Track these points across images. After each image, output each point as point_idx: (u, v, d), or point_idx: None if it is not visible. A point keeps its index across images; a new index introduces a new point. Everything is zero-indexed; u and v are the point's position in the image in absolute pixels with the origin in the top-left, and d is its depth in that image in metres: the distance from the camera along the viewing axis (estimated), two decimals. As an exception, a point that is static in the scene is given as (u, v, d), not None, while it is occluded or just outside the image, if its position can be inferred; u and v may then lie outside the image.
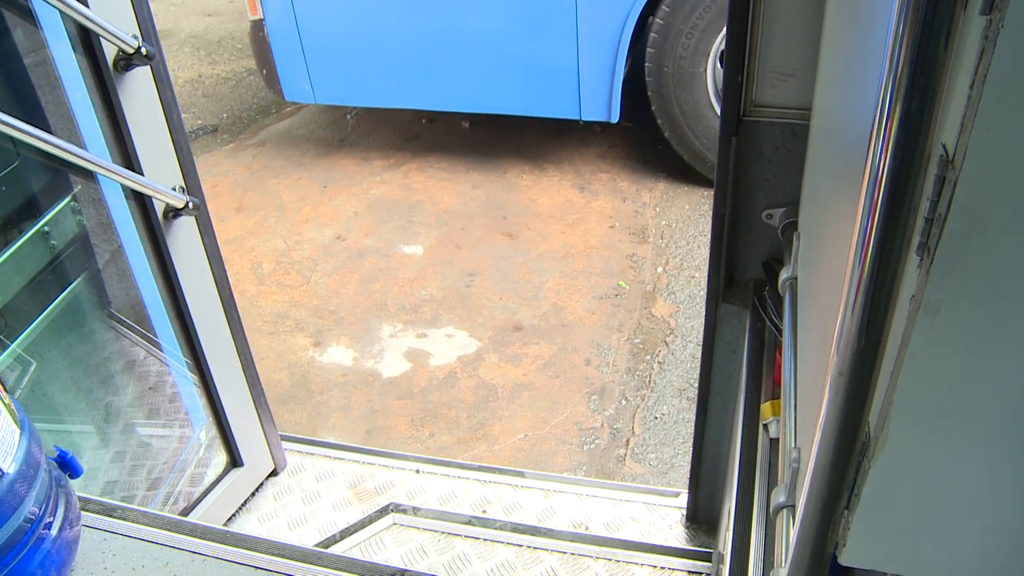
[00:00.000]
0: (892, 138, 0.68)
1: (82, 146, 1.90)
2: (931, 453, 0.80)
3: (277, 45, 4.60)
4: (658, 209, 4.24)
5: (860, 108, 1.03)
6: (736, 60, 1.62)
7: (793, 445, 1.21)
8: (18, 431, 1.24)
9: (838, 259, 1.07)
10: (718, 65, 4.14)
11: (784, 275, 1.62)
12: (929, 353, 0.73)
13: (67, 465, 1.40)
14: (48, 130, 1.90)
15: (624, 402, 3.14)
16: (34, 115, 1.95)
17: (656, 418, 3.07)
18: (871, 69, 0.95)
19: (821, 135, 1.49)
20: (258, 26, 4.60)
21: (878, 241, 0.73)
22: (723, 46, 3.96)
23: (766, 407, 1.56)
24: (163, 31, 7.11)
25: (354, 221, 4.34)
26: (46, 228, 2.00)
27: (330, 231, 4.30)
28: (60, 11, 1.69)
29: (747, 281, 1.84)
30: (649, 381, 3.23)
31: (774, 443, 1.53)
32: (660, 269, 3.83)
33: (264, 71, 4.77)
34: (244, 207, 4.61)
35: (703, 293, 3.44)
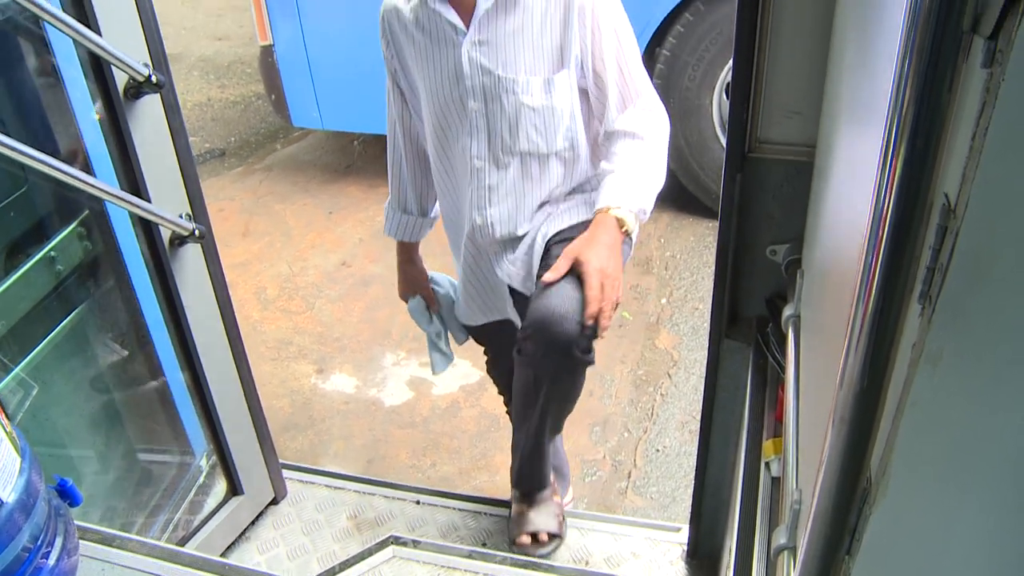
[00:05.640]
0: (895, 185, 0.69)
1: (91, 172, 1.92)
2: (932, 501, 0.79)
3: (286, 71, 4.64)
4: (662, 240, 4.24)
5: (863, 149, 1.04)
6: (742, 98, 1.63)
7: (795, 486, 1.21)
8: (19, 459, 1.24)
9: (841, 299, 1.07)
10: (723, 97, 4.16)
11: (787, 312, 1.62)
12: (930, 402, 0.73)
13: (67, 494, 1.39)
14: (58, 156, 1.91)
15: (626, 434, 3.13)
16: (45, 141, 1.97)
17: (658, 451, 3.06)
18: (874, 112, 0.96)
19: (824, 173, 1.49)
20: (268, 52, 4.64)
21: (880, 288, 0.73)
22: (729, 79, 3.98)
23: (768, 445, 1.56)
24: (173, 55, 7.16)
25: (359, 248, 4.36)
26: (53, 253, 2.00)
27: (335, 257, 4.31)
28: (73, 39, 1.71)
29: (750, 317, 1.84)
30: (651, 413, 3.22)
31: (776, 481, 1.52)
32: (664, 300, 3.83)
33: (273, 96, 4.81)
34: (250, 232, 4.63)
35: (706, 325, 3.43)
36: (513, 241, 2.07)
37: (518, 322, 2.16)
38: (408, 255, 2.37)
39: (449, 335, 2.42)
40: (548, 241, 2.00)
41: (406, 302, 2.41)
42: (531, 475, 2.31)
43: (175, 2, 8.89)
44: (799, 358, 1.48)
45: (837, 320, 1.07)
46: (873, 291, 0.74)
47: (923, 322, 0.72)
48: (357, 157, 5.27)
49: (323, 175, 5.15)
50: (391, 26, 1.99)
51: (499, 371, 2.52)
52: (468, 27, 1.87)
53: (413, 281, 2.38)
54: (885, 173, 0.70)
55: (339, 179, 5.07)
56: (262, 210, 4.85)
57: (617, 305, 1.87)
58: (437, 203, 2.27)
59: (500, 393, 2.64)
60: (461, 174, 2.04)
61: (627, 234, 1.88)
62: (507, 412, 2.58)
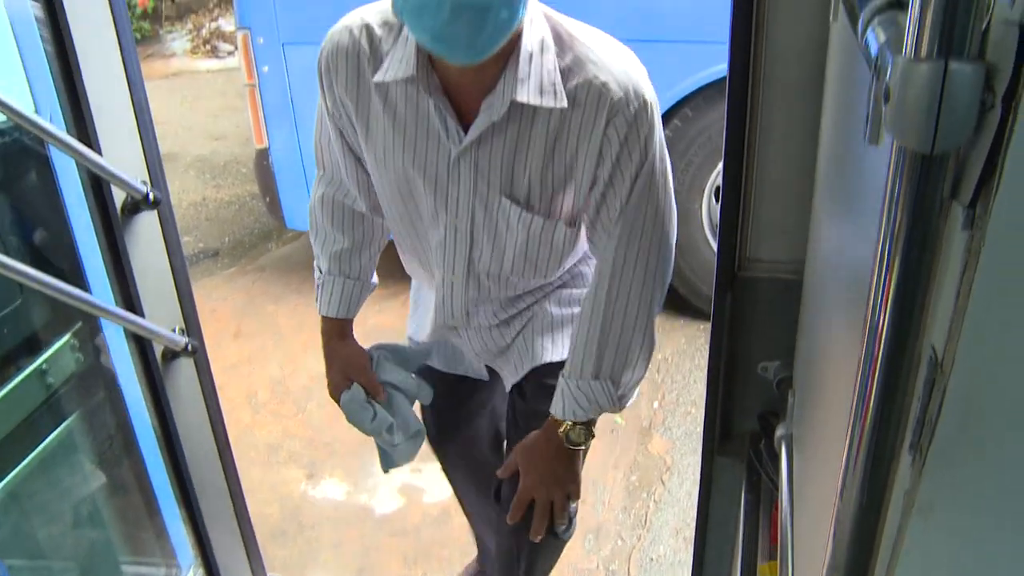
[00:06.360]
0: (883, 338, 0.70)
1: (87, 286, 1.93)
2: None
3: (281, 174, 4.70)
4: (654, 342, 4.25)
5: (850, 275, 1.05)
6: (730, 217, 1.66)
7: (791, 618, 1.19)
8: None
9: (832, 422, 1.08)
10: (712, 201, 4.22)
11: (779, 432, 1.63)
12: (924, 553, 0.73)
13: (50, 622, 1.37)
14: (57, 271, 1.93)
15: (620, 542, 3.09)
16: (42, 255, 1.99)
17: (652, 559, 3.01)
18: (860, 240, 0.98)
19: (813, 292, 1.51)
20: (263, 155, 4.71)
21: (870, 438, 0.74)
22: (717, 183, 4.05)
23: (764, 569, 1.54)
24: (170, 154, 7.27)
25: (351, 350, 4.35)
26: (44, 366, 2.00)
27: (327, 360, 4.30)
28: (76, 160, 1.74)
29: (743, 433, 1.84)
30: (645, 520, 3.19)
31: (772, 605, 1.50)
32: (656, 404, 3.82)
33: (267, 198, 4.86)
34: (242, 333, 4.63)
35: (699, 430, 3.41)
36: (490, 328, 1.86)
37: (483, 375, 1.97)
38: (340, 330, 1.90)
39: (405, 421, 1.91)
40: (532, 370, 1.84)
41: (338, 402, 1.90)
42: None
43: (174, 102, 9.05)
44: (792, 480, 1.47)
45: (830, 446, 1.07)
46: (864, 438, 0.75)
47: (914, 472, 0.72)
48: (350, 257, 5.29)
49: (316, 276, 5.17)
50: (342, 77, 1.55)
51: (444, 452, 2.28)
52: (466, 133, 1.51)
53: (348, 365, 1.89)
54: (873, 324, 0.71)
55: (332, 280, 5.09)
56: (254, 311, 4.86)
57: (572, 498, 1.82)
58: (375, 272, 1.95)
59: (450, 484, 2.42)
60: (431, 261, 1.77)
61: (574, 444, 1.73)
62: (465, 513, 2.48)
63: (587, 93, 1.44)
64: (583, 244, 1.78)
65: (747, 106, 1.58)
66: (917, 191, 0.63)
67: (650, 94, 1.49)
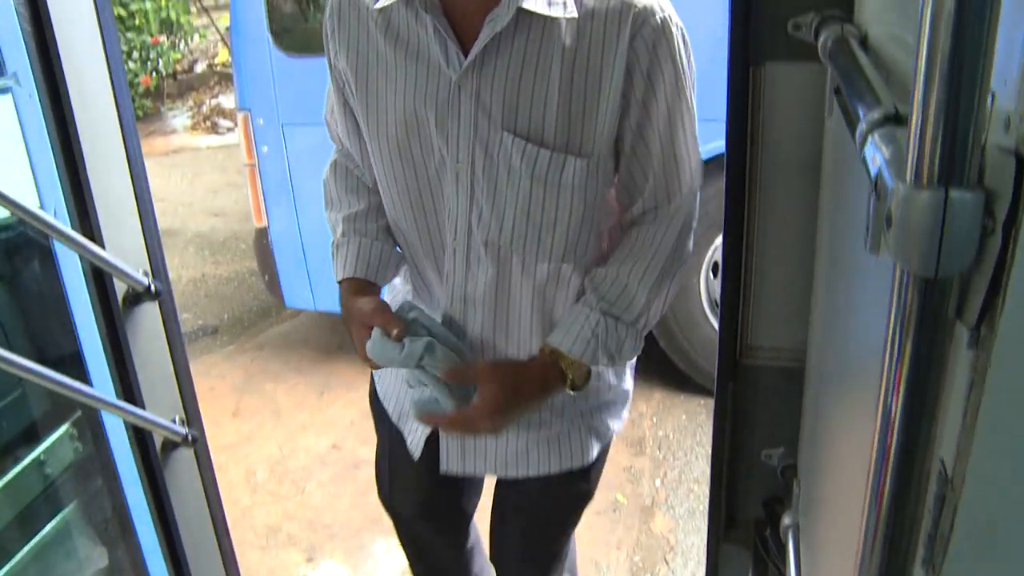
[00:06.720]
0: (891, 456, 0.70)
1: (87, 380, 1.92)
2: None
3: (280, 253, 4.72)
4: (655, 419, 4.23)
5: (855, 368, 1.05)
6: (731, 307, 1.66)
7: None
8: None
9: (842, 518, 1.07)
10: (710, 276, 4.24)
11: (786, 520, 1.61)
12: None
13: None
14: (58, 362, 1.92)
15: (624, 627, 3.04)
16: (44, 349, 1.99)
17: (658, 645, 2.96)
18: (864, 336, 0.98)
19: (816, 382, 1.51)
20: (262, 234, 4.74)
21: (882, 552, 0.73)
22: (716, 257, 4.07)
23: (774, 664, 1.52)
24: (170, 230, 7.31)
25: (350, 430, 4.32)
26: (42, 457, 1.99)
27: (326, 439, 4.27)
28: (79, 253, 1.75)
29: (748, 520, 1.82)
30: (649, 603, 3.14)
31: None
32: (658, 482, 3.79)
33: (266, 277, 4.87)
34: (240, 412, 4.60)
35: (703, 508, 3.38)
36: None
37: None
38: (357, 289, 1.66)
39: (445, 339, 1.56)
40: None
41: (366, 360, 1.60)
42: None
43: (175, 179, 9.13)
44: (800, 572, 1.46)
45: (839, 543, 1.06)
46: (876, 551, 0.74)
47: (929, 589, 0.72)
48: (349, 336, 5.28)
49: (314, 354, 5.16)
50: (344, 22, 1.49)
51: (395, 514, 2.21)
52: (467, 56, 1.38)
53: (363, 312, 1.58)
54: (882, 437, 0.71)
55: (331, 359, 5.08)
56: (253, 389, 4.84)
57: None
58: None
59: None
60: (443, 235, 1.56)
61: (575, 388, 1.53)
62: None
63: (607, 6, 1.34)
64: (595, 244, 1.59)
65: (745, 193, 1.60)
66: (921, 311, 0.64)
67: (676, 15, 1.39)
